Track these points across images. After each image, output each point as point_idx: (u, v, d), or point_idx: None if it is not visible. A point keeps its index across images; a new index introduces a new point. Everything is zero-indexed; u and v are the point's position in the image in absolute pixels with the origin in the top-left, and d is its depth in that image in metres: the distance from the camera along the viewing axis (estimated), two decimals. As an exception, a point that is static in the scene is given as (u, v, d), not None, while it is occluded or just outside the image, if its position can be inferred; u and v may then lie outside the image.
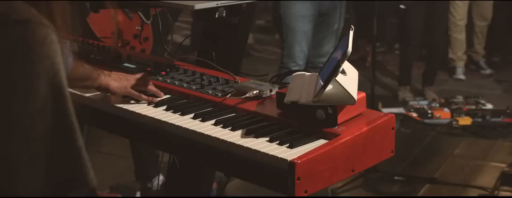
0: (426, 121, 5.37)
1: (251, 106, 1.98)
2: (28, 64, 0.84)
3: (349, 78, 1.85)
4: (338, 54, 1.78)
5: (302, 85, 1.91)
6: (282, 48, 4.84)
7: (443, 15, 6.01)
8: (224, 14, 2.13)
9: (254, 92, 2.00)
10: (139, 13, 3.56)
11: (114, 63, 2.37)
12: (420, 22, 5.90)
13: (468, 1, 6.58)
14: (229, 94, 2.04)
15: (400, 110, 5.67)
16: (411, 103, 5.75)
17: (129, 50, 2.94)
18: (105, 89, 2.07)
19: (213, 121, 1.91)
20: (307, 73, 1.99)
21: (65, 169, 0.87)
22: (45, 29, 0.87)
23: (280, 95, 1.89)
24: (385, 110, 5.59)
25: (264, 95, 2.01)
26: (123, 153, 4.24)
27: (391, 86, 6.45)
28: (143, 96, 2.08)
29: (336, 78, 1.75)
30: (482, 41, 6.96)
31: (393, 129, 1.87)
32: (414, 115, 5.46)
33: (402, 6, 5.83)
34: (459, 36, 6.63)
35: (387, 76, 6.79)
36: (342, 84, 1.76)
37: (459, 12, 6.52)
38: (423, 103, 5.72)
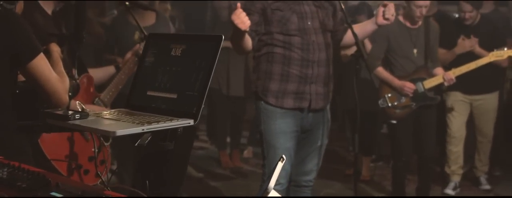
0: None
1: (172, 246, 1.75)
2: None
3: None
4: (261, 190, 1.58)
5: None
6: (263, 165, 4.56)
7: (431, 128, 5.74)
8: (146, 141, 1.93)
9: (177, 230, 1.78)
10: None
11: (41, 192, 2.16)
12: (409, 136, 5.67)
13: (466, 113, 6.36)
14: (151, 232, 1.83)
15: (392, 230, 5.37)
16: (403, 221, 5.45)
17: (59, 177, 2.73)
18: None
19: None
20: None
21: None
22: None
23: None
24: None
25: (188, 234, 1.79)
26: None
27: (387, 203, 6.18)
28: None
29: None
30: (483, 158, 6.62)
31: None
32: (406, 235, 5.16)
33: (393, 121, 5.64)
34: (455, 148, 6.34)
35: (383, 192, 6.52)
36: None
37: (454, 123, 6.31)
38: (415, 222, 5.42)
